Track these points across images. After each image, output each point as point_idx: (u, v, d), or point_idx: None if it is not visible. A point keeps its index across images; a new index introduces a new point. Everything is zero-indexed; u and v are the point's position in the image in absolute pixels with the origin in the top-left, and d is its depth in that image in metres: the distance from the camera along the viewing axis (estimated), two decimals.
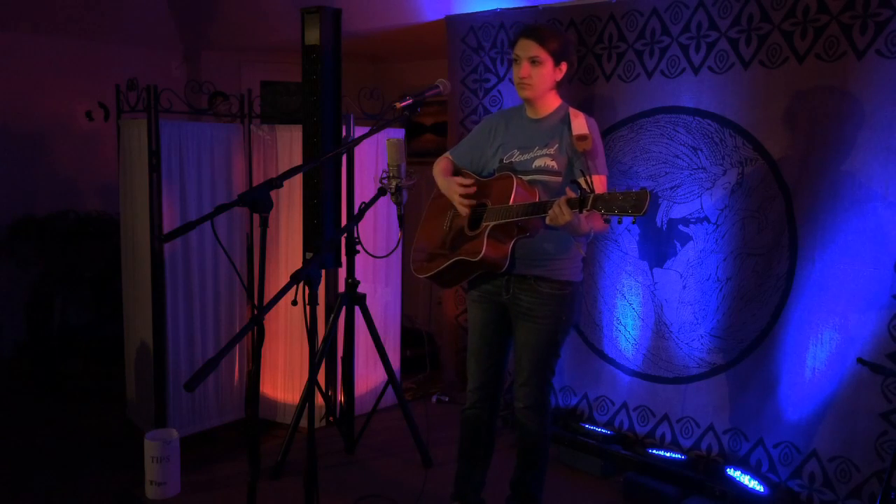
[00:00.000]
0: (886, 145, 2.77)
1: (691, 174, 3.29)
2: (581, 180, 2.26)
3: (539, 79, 2.57)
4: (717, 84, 3.18)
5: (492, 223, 2.51)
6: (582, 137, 2.51)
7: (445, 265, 2.66)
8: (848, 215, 2.86)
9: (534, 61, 2.54)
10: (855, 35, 2.79)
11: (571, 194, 2.32)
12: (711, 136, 3.22)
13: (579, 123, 2.55)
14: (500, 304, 2.71)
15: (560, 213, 2.29)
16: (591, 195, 2.21)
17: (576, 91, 3.62)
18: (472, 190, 2.64)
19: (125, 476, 3.36)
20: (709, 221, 3.25)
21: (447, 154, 2.87)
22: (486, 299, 2.74)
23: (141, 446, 3.23)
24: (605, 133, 3.54)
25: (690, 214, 3.30)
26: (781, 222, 3.04)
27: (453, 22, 4.02)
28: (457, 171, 2.80)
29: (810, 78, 2.92)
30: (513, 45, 2.62)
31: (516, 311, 2.67)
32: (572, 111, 2.61)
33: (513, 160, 2.64)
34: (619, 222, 2.20)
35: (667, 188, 3.37)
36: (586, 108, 3.57)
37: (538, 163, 2.58)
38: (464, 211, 2.65)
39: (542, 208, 2.36)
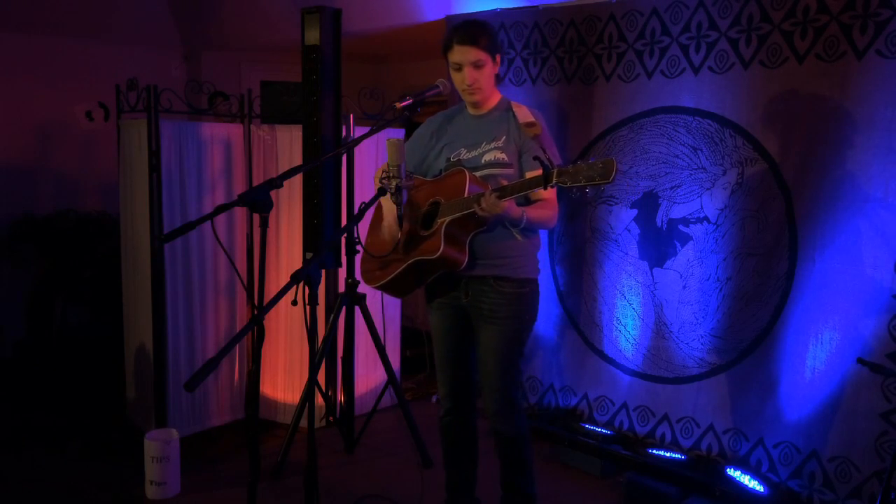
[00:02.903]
0: (886, 146, 2.77)
1: (691, 174, 3.29)
2: (541, 157, 2.23)
3: (485, 80, 2.56)
4: (717, 84, 3.18)
5: (448, 218, 2.45)
6: (530, 124, 2.51)
7: (401, 269, 2.57)
8: (848, 215, 2.86)
9: (476, 65, 2.52)
10: (855, 35, 2.79)
11: (504, 182, 2.39)
12: (711, 136, 3.22)
13: (524, 112, 2.55)
14: (461, 309, 2.67)
15: (491, 203, 2.30)
16: (555, 169, 2.19)
17: (576, 91, 3.62)
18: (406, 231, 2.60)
19: (125, 476, 3.36)
20: (709, 221, 3.25)
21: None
22: (446, 305, 2.70)
23: (141, 446, 3.23)
24: (605, 133, 3.54)
25: (690, 214, 3.30)
26: (781, 222, 3.04)
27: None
28: None
29: (810, 78, 2.92)
30: (446, 51, 2.58)
31: (478, 315, 2.62)
32: (514, 103, 2.61)
33: (461, 158, 2.61)
34: (585, 192, 2.17)
35: (667, 188, 3.37)
36: (586, 107, 3.58)
37: (488, 157, 2.56)
38: (393, 224, 2.62)
39: (504, 191, 2.35)
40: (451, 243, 2.47)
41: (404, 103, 2.59)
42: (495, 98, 2.66)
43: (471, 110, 2.67)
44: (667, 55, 3.32)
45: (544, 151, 2.28)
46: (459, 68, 2.55)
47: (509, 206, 2.36)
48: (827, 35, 2.85)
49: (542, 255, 3.32)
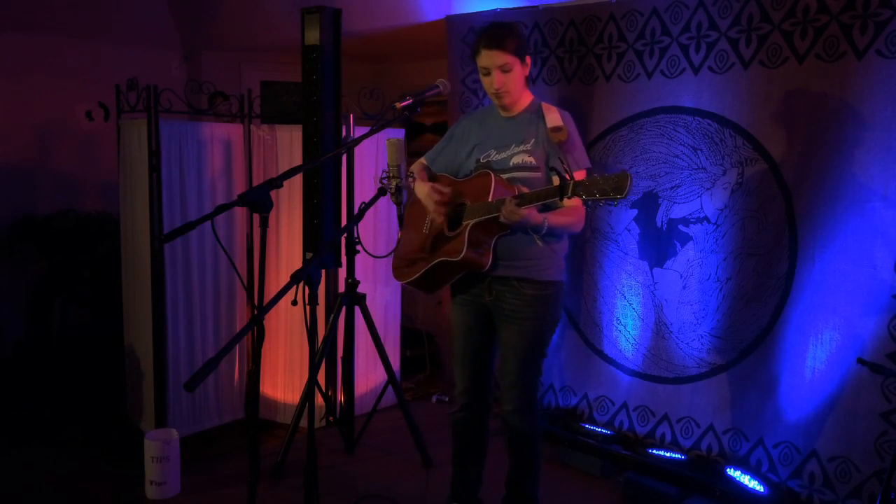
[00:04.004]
0: (887, 145, 2.77)
1: (691, 174, 3.29)
2: (559, 168, 2.24)
3: (514, 83, 2.57)
4: (717, 84, 3.18)
5: (472, 221, 2.49)
6: (557, 129, 2.51)
7: (427, 268, 2.63)
8: (848, 215, 2.86)
9: (504, 69, 2.53)
10: (855, 35, 2.79)
11: (523, 189, 2.40)
12: (711, 136, 3.22)
13: (553, 116, 2.56)
14: (484, 307, 2.69)
15: (510, 210, 2.31)
16: (571, 182, 2.20)
17: (576, 91, 3.62)
18: (447, 197, 2.62)
19: (125, 476, 3.36)
20: (709, 221, 3.25)
21: (422, 159, 2.86)
22: (469, 302, 2.72)
23: (141, 446, 3.23)
24: (605, 133, 3.54)
25: (690, 214, 3.30)
26: (781, 222, 3.04)
27: (453, 22, 4.02)
28: (433, 176, 2.79)
29: (810, 78, 2.92)
30: (474, 55, 2.59)
31: (500, 314, 2.65)
32: (545, 105, 2.61)
33: (490, 159, 2.63)
34: (601, 205, 2.19)
35: (667, 188, 3.37)
36: (586, 107, 3.58)
37: (516, 160, 2.57)
38: (438, 218, 2.63)
39: (523, 199, 2.37)
40: (475, 246, 2.50)
41: (404, 103, 2.60)
42: (526, 99, 2.66)
43: (502, 112, 2.68)
44: (667, 55, 3.32)
45: (563, 161, 2.30)
46: (488, 73, 2.56)
47: (529, 213, 2.37)
48: (827, 35, 2.86)
49: None
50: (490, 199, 2.45)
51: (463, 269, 2.59)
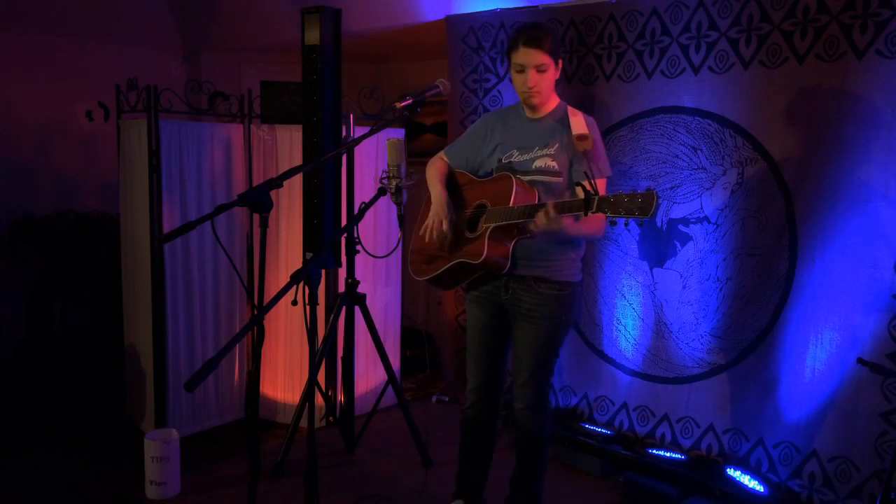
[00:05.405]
0: (887, 145, 2.77)
1: (691, 174, 3.29)
2: (585, 182, 2.25)
3: (546, 84, 2.57)
4: (717, 84, 3.18)
5: (492, 224, 2.50)
6: (582, 137, 2.50)
7: (446, 267, 2.65)
8: (848, 215, 2.87)
9: (540, 69, 2.53)
10: (855, 35, 2.79)
11: (541, 194, 2.40)
12: (711, 137, 3.22)
13: (578, 122, 2.54)
14: (499, 305, 2.71)
15: (550, 219, 2.30)
16: (596, 197, 2.19)
17: (576, 91, 3.62)
18: (447, 231, 2.62)
19: (125, 476, 3.36)
20: (709, 221, 3.25)
21: (441, 154, 2.85)
22: (484, 299, 2.74)
23: (141, 446, 3.23)
24: (605, 133, 3.54)
25: (690, 214, 3.30)
26: (781, 222, 3.04)
27: (453, 22, 4.02)
28: (452, 172, 2.80)
29: (810, 78, 2.92)
30: (510, 52, 2.58)
31: (515, 312, 2.66)
32: (570, 110, 2.60)
33: (512, 160, 2.63)
34: (626, 225, 2.18)
35: (667, 188, 3.37)
36: (586, 108, 3.57)
37: (538, 163, 2.57)
38: (431, 235, 2.64)
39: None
40: (495, 249, 2.52)
41: (404, 103, 2.60)
42: (553, 102, 2.66)
43: (528, 112, 2.68)
44: (667, 55, 3.32)
45: (587, 174, 2.30)
46: (522, 70, 2.55)
47: (568, 224, 2.37)
48: (827, 35, 2.86)
49: None
50: (511, 204, 2.45)
51: (482, 269, 2.61)
